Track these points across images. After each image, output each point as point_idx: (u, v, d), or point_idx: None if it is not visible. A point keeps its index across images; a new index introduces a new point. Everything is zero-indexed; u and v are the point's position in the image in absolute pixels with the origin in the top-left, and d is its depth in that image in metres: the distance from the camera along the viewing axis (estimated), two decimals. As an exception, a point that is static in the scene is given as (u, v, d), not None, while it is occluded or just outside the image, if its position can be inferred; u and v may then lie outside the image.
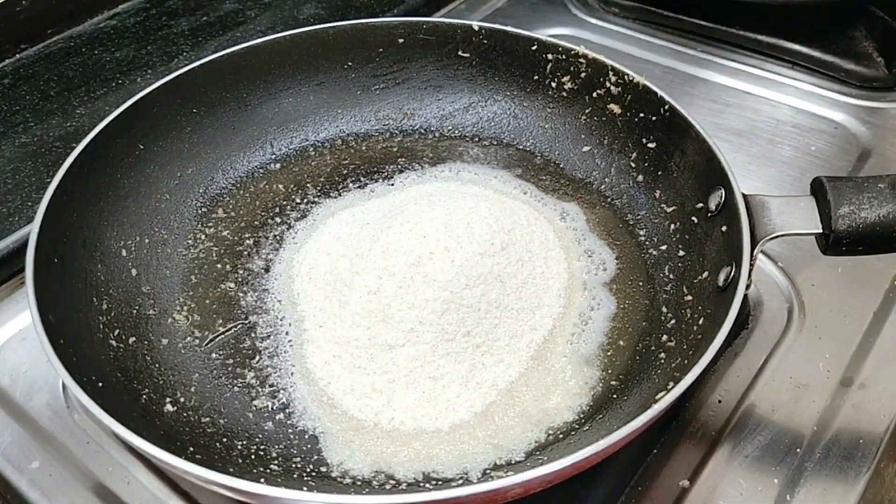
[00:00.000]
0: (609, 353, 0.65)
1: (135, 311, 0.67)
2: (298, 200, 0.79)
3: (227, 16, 1.08)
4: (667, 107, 0.72)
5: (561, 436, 0.60)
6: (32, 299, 0.57)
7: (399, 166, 0.82)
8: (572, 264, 0.71)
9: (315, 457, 0.59)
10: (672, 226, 0.71)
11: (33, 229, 0.61)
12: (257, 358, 0.65)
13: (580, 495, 0.59)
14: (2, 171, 0.84)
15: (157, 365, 0.64)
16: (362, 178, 0.81)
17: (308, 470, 0.58)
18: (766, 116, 0.92)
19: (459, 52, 0.84)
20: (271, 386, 0.63)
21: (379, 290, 0.64)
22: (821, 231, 0.59)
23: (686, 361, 0.57)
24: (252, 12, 1.09)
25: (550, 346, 0.65)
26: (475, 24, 0.82)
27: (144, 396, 0.60)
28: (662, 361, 0.62)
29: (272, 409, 0.62)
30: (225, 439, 0.59)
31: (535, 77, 0.82)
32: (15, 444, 0.63)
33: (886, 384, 0.65)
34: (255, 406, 0.62)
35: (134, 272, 0.69)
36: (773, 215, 0.60)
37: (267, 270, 0.72)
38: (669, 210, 0.72)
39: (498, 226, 0.67)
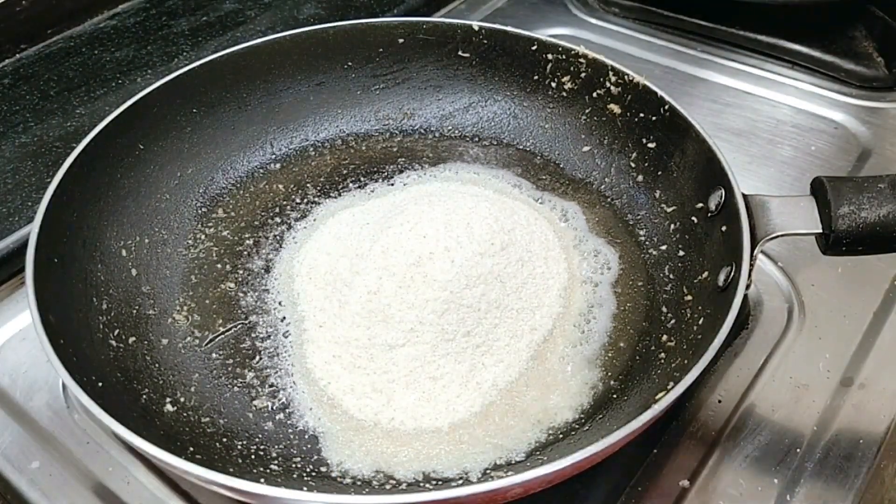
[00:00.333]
0: (609, 353, 0.65)
1: (135, 311, 0.67)
2: (298, 200, 0.79)
3: (227, 16, 1.08)
4: (667, 107, 0.72)
5: (561, 436, 0.60)
6: (32, 299, 0.57)
7: (399, 166, 0.82)
8: (572, 264, 0.71)
9: (315, 457, 0.59)
10: (672, 226, 0.71)
11: (33, 229, 0.61)
12: (257, 358, 0.65)
13: (580, 495, 0.59)
14: (2, 171, 0.84)
15: (156, 365, 0.64)
16: (362, 178, 0.81)
17: (308, 470, 0.58)
18: (766, 116, 0.92)
19: (459, 52, 0.84)
20: (271, 386, 0.63)
21: (379, 290, 0.64)
22: (821, 231, 0.59)
23: (686, 361, 0.57)
24: (252, 12, 1.09)
25: (550, 347, 0.65)
26: (475, 24, 0.82)
27: (144, 396, 0.60)
28: (662, 361, 0.62)
29: (272, 409, 0.62)
30: (225, 439, 0.59)
31: (535, 77, 0.82)
32: (15, 444, 0.63)
33: (886, 384, 0.65)
34: (255, 406, 0.62)
35: (134, 272, 0.69)
36: (773, 215, 0.60)
37: (267, 270, 0.72)
38: (669, 210, 0.72)
39: (498, 226, 0.67)
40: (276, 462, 0.58)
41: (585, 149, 0.80)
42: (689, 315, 0.63)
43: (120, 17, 1.09)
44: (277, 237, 0.75)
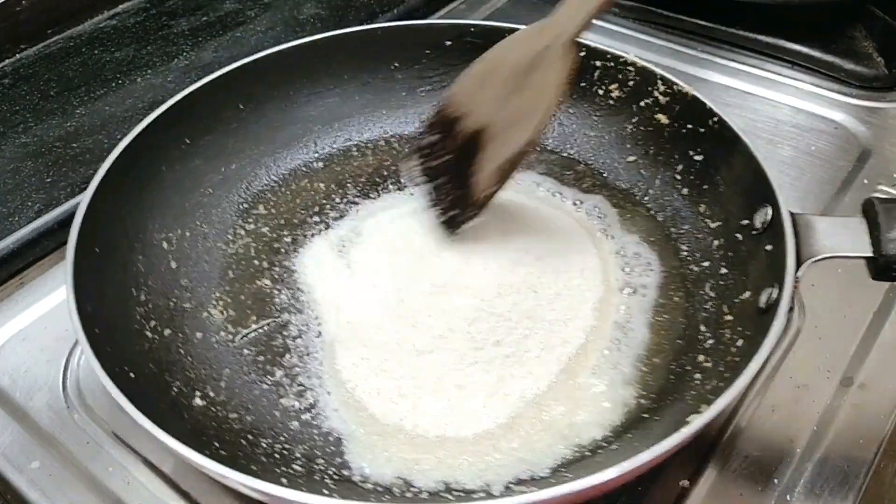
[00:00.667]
0: (643, 370, 0.63)
1: (172, 304, 0.67)
2: (338, 200, 0.79)
3: (227, 16, 1.08)
4: (715, 119, 0.71)
5: (588, 453, 0.58)
6: (71, 288, 0.57)
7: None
8: (609, 277, 0.70)
9: (338, 459, 0.59)
10: (716, 242, 0.70)
11: (77, 218, 0.62)
12: (287, 356, 0.65)
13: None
14: (2, 171, 0.84)
15: (189, 358, 0.64)
16: (402, 181, 0.80)
17: (330, 472, 0.57)
18: (766, 116, 0.92)
19: None
20: (299, 385, 0.63)
21: (409, 296, 0.64)
22: (871, 255, 0.56)
23: (721, 384, 0.56)
24: (252, 12, 1.09)
25: (582, 360, 0.64)
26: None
27: (175, 389, 0.61)
28: (697, 382, 0.60)
29: (299, 408, 0.62)
30: (250, 436, 0.59)
31: (583, 84, 0.80)
32: (15, 444, 0.63)
33: (886, 384, 0.65)
34: (282, 404, 0.62)
35: (174, 265, 0.70)
36: (821, 236, 0.58)
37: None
38: (714, 226, 0.71)
39: (534, 235, 0.66)
40: (299, 462, 0.58)
41: (630, 159, 0.79)
42: (727, 336, 0.62)
43: (120, 17, 1.09)
44: (315, 236, 0.75)
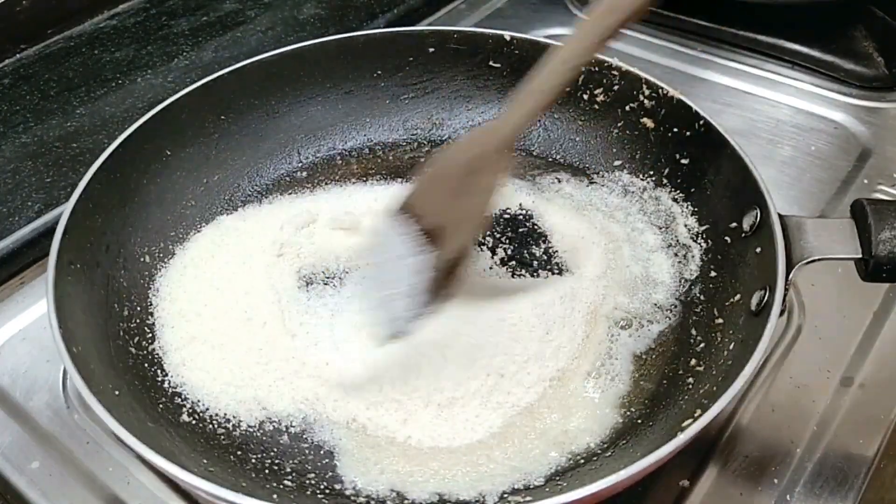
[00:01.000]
0: (635, 376, 0.64)
1: (155, 319, 0.67)
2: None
3: (227, 16, 1.08)
4: (702, 122, 0.71)
5: (582, 461, 0.58)
6: (52, 306, 0.56)
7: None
8: (599, 284, 0.70)
9: (329, 473, 0.58)
10: (704, 245, 0.70)
11: (56, 234, 0.61)
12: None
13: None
14: (2, 171, 0.84)
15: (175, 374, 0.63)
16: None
17: (322, 487, 0.57)
18: (766, 116, 0.92)
19: (490, 63, 0.82)
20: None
21: None
22: (860, 256, 0.57)
23: (715, 388, 0.56)
24: (252, 12, 1.09)
25: (574, 367, 0.63)
26: (506, 35, 0.81)
27: (161, 405, 0.60)
28: (690, 387, 0.60)
29: (289, 422, 0.61)
30: (239, 452, 0.59)
31: (567, 88, 0.80)
32: (15, 444, 0.63)
33: (886, 384, 0.65)
34: (272, 418, 0.61)
35: (156, 279, 0.69)
36: (811, 238, 0.58)
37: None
38: (702, 229, 0.71)
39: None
40: (289, 478, 0.57)
41: (616, 163, 0.79)
42: (719, 339, 0.62)
43: (120, 17, 1.09)
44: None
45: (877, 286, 0.72)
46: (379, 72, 0.84)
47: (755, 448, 0.62)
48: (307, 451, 0.59)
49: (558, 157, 0.82)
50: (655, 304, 0.68)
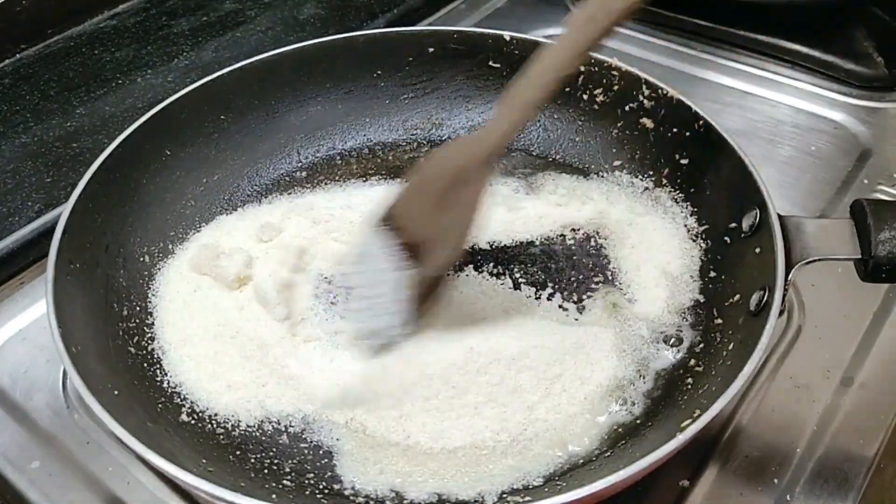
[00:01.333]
0: (634, 377, 0.63)
1: (154, 319, 0.67)
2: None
3: (227, 16, 1.08)
4: (701, 122, 0.71)
5: (581, 461, 0.58)
6: (51, 305, 0.56)
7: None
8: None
9: (328, 473, 0.58)
10: (703, 245, 0.70)
11: (56, 234, 0.61)
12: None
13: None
14: (2, 171, 0.84)
15: (174, 374, 0.63)
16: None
17: (321, 487, 0.57)
18: (766, 116, 0.92)
19: (490, 63, 0.82)
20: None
21: None
22: (860, 257, 0.57)
23: (714, 388, 0.56)
24: (252, 12, 1.09)
25: (574, 369, 0.63)
26: (506, 35, 0.81)
27: (160, 406, 0.60)
28: (689, 387, 0.60)
29: (288, 421, 0.61)
30: (238, 452, 0.59)
31: (567, 89, 0.80)
32: (15, 444, 0.63)
33: (886, 384, 0.65)
34: (270, 418, 0.61)
35: (156, 279, 0.69)
36: (810, 238, 0.58)
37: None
38: (701, 229, 0.71)
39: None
40: (288, 477, 0.57)
41: (616, 163, 0.79)
42: (718, 339, 0.62)
43: (120, 17, 1.09)
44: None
45: (877, 286, 0.72)
46: (379, 72, 0.84)
47: (755, 448, 0.62)
48: (306, 451, 0.59)
49: (558, 157, 0.82)
50: (655, 304, 0.68)
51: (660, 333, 0.66)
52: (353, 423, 0.60)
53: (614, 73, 0.77)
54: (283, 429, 0.61)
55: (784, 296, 0.55)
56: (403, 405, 0.61)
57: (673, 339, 0.65)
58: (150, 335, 0.65)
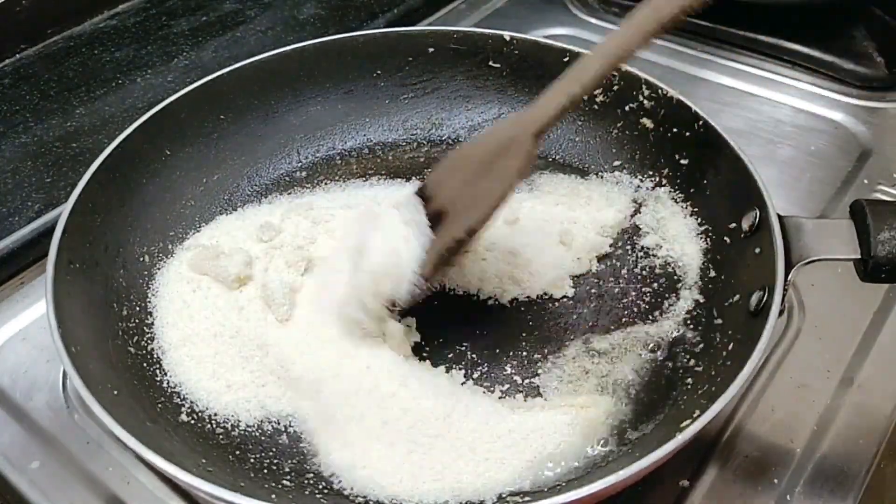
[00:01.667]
0: (634, 377, 0.63)
1: (155, 319, 0.67)
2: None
3: (227, 16, 1.08)
4: (701, 122, 0.71)
5: (581, 462, 0.58)
6: (51, 305, 0.56)
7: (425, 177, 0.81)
8: None
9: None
10: (703, 245, 0.70)
11: (56, 234, 0.61)
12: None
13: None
14: (2, 171, 0.84)
15: (174, 373, 0.63)
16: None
17: (320, 487, 0.57)
18: (766, 116, 0.92)
19: (490, 63, 0.82)
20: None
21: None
22: (859, 257, 0.57)
23: (714, 389, 0.56)
24: (252, 12, 1.09)
25: (574, 368, 0.63)
26: (506, 35, 0.81)
27: (160, 405, 0.60)
28: (689, 387, 0.60)
29: (288, 421, 0.61)
30: (238, 452, 0.59)
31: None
32: (15, 444, 0.63)
33: (886, 384, 0.65)
34: (270, 418, 0.61)
35: (156, 279, 0.69)
36: (809, 239, 0.58)
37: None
38: (701, 229, 0.71)
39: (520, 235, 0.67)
40: (288, 477, 0.57)
41: (616, 163, 0.79)
42: (718, 339, 0.62)
43: (120, 17, 1.09)
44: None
45: (877, 286, 0.71)
46: (378, 72, 0.83)
47: (755, 448, 0.62)
48: (306, 452, 0.59)
49: (557, 157, 0.82)
50: (655, 304, 0.68)
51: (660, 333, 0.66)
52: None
53: (614, 72, 0.77)
54: (283, 429, 0.60)
55: (784, 296, 0.55)
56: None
57: (673, 340, 0.65)
58: (149, 335, 0.65)
